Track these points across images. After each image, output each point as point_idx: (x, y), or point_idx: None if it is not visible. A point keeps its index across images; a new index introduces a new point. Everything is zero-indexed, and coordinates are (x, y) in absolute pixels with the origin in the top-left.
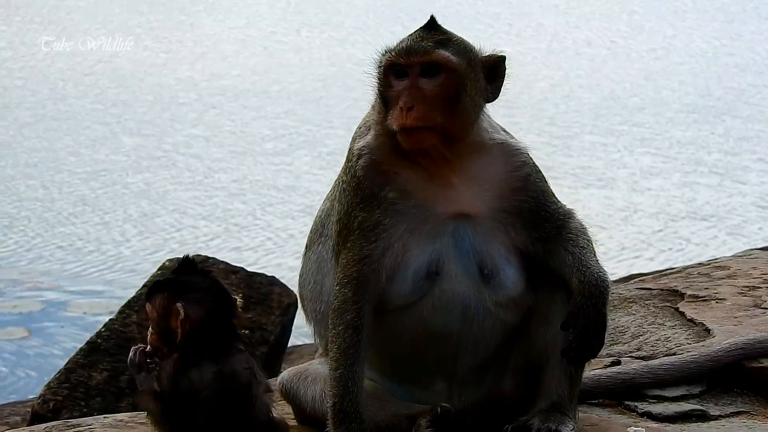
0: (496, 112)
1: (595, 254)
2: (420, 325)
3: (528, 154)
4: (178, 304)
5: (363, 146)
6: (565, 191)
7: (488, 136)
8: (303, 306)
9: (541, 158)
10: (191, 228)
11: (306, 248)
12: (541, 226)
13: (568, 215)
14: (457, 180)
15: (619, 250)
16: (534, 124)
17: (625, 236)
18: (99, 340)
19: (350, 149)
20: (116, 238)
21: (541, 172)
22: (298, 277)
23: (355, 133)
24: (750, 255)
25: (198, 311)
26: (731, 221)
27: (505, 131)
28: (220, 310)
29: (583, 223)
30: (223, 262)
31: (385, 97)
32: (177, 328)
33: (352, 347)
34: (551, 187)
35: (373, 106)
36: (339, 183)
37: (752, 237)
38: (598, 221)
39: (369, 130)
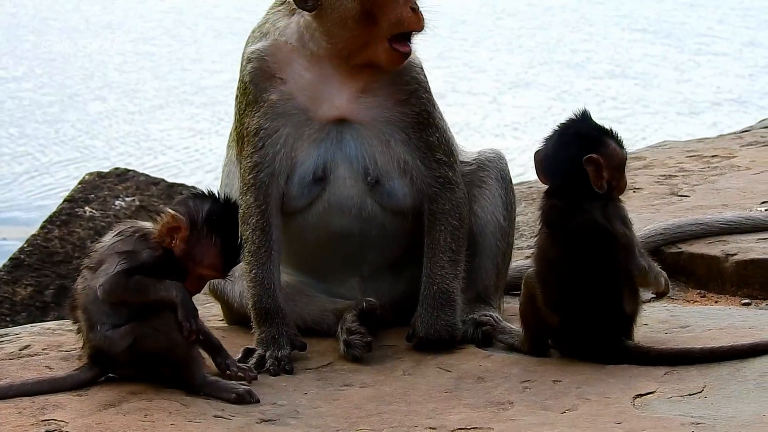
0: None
1: (459, 241)
2: (320, 227)
3: (420, 72)
4: None
5: (254, 51)
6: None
7: None
8: None
9: None
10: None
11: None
12: (421, 150)
13: (451, 170)
14: (349, 88)
15: None
16: None
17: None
18: (22, 256)
19: (243, 55)
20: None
21: (431, 99)
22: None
23: (249, 38)
24: (665, 145)
25: None
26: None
27: None
28: None
29: (465, 193)
30: (143, 174)
31: (367, 9)
32: None
33: (262, 248)
34: (451, 135)
35: (270, 14)
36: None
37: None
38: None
39: (263, 36)
